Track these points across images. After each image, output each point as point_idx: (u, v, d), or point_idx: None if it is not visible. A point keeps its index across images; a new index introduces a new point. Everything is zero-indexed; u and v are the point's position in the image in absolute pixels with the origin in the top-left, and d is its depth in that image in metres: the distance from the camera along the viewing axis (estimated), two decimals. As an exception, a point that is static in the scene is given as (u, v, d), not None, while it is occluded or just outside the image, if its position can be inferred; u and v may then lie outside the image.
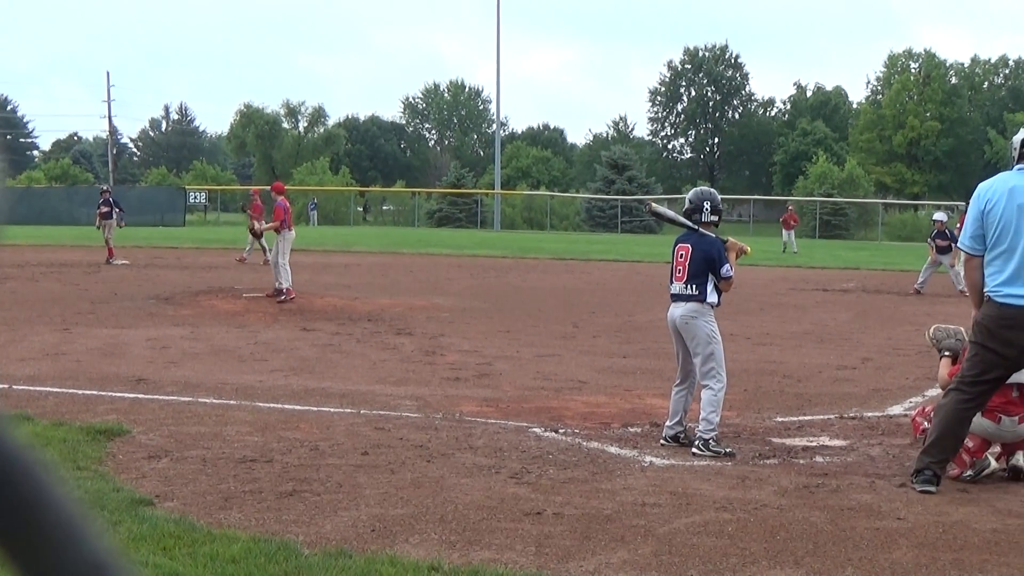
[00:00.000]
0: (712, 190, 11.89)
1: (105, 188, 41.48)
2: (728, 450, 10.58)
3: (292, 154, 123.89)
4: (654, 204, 12.35)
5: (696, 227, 11.24)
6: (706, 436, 10.60)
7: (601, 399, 13.49)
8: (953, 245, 30.82)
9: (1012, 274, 9.05)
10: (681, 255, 11.15)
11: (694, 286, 11.00)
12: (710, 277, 11.01)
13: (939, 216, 32.98)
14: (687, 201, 11.57)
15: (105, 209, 38.93)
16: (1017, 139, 9.41)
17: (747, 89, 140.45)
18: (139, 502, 8.17)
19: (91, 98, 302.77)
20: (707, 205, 11.34)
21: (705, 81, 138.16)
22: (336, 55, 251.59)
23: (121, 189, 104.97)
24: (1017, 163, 9.32)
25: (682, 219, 11.39)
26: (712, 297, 11.03)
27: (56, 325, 19.86)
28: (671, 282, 11.23)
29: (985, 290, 9.25)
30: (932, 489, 9.15)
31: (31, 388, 13.27)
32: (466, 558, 7.19)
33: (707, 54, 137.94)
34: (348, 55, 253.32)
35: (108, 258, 37.86)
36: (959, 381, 9.44)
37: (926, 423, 10.20)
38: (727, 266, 11.02)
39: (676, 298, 11.13)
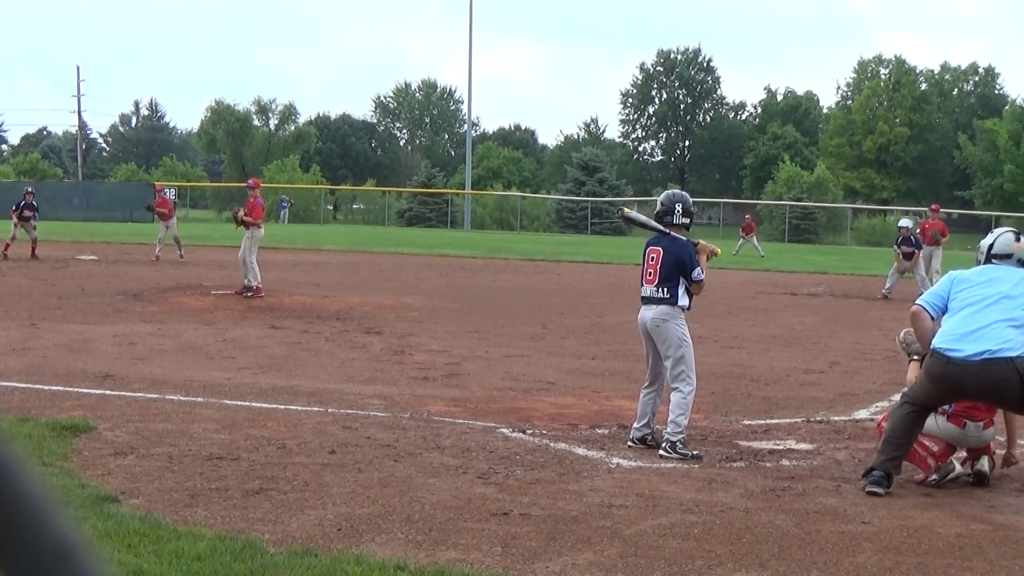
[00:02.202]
0: (683, 193, 11.88)
1: (30, 190, 40.84)
2: (695, 453, 10.61)
3: (263, 151, 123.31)
4: (627, 209, 12.36)
5: (668, 231, 11.27)
6: (673, 439, 10.62)
7: (569, 400, 13.50)
8: (917, 252, 31.11)
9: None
10: (652, 258, 11.17)
11: (665, 289, 11.01)
12: (681, 280, 11.03)
13: (905, 223, 33.18)
14: (658, 203, 11.58)
15: (28, 214, 38.25)
16: (984, 243, 9.86)
17: (718, 92, 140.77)
18: (104, 499, 8.14)
19: (60, 93, 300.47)
20: (679, 207, 11.36)
21: (677, 84, 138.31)
22: (305, 53, 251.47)
23: (90, 184, 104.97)
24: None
25: (654, 223, 11.42)
26: (683, 300, 11.05)
27: (23, 320, 19.77)
28: (641, 284, 11.25)
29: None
30: (879, 491, 9.23)
31: (-3, 383, 13.21)
32: (432, 558, 7.19)
33: (679, 57, 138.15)
34: (317, 54, 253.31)
35: (33, 253, 37.31)
36: (908, 394, 9.68)
37: None
38: (698, 269, 11.04)
39: (647, 301, 11.14)
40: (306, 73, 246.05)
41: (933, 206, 35.98)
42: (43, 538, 0.85)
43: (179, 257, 38.21)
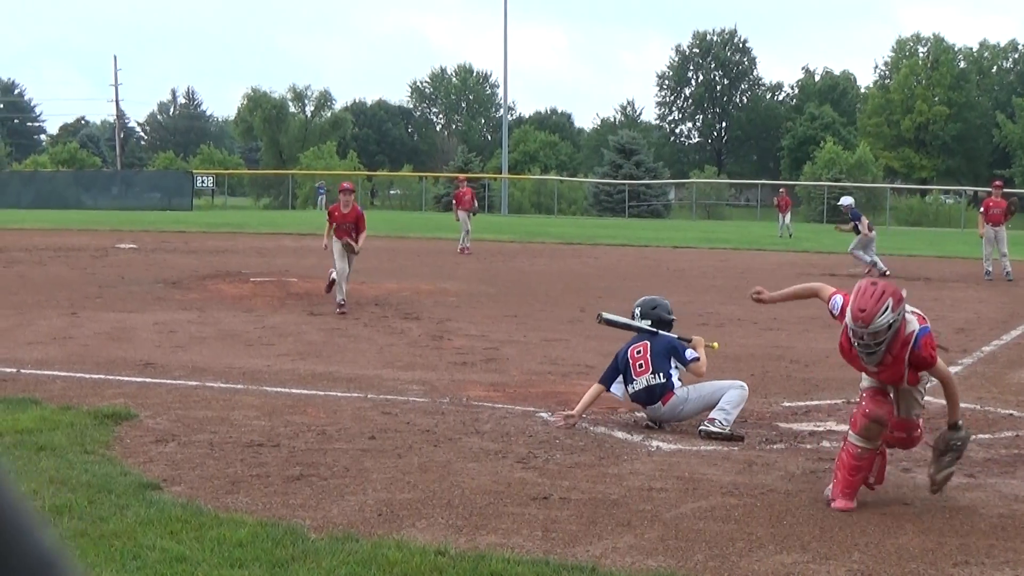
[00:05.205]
0: (649, 298, 12.02)
1: None
2: (737, 432, 10.57)
3: (299, 138, 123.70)
4: (605, 313, 12.27)
5: (654, 330, 11.36)
6: (716, 416, 10.59)
7: (608, 384, 13.47)
8: (857, 228, 32.16)
9: None
10: (639, 351, 11.26)
11: (660, 374, 11.05)
12: (672, 363, 11.12)
13: (845, 200, 34.69)
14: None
15: None
16: None
17: (755, 73, 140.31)
18: (147, 486, 8.19)
19: (97, 83, 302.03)
20: (636, 311, 11.70)
21: (713, 65, 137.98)
22: (330, 40, 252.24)
23: (128, 173, 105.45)
24: None
25: (636, 323, 11.50)
26: (677, 381, 11.08)
27: (64, 309, 19.89)
28: (632, 381, 11.21)
29: None
30: None
31: (39, 372, 13.30)
32: (473, 543, 7.20)
33: (715, 38, 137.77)
34: (341, 40, 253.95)
35: None
36: None
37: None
38: (690, 351, 11.21)
39: (648, 396, 11.14)
40: (334, 59, 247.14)
41: (996, 183, 34.28)
42: (25, 552, 0.84)
43: (460, 251, 38.46)
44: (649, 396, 11.08)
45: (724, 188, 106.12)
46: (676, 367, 11.08)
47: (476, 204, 41.72)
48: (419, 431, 10.51)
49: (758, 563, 6.96)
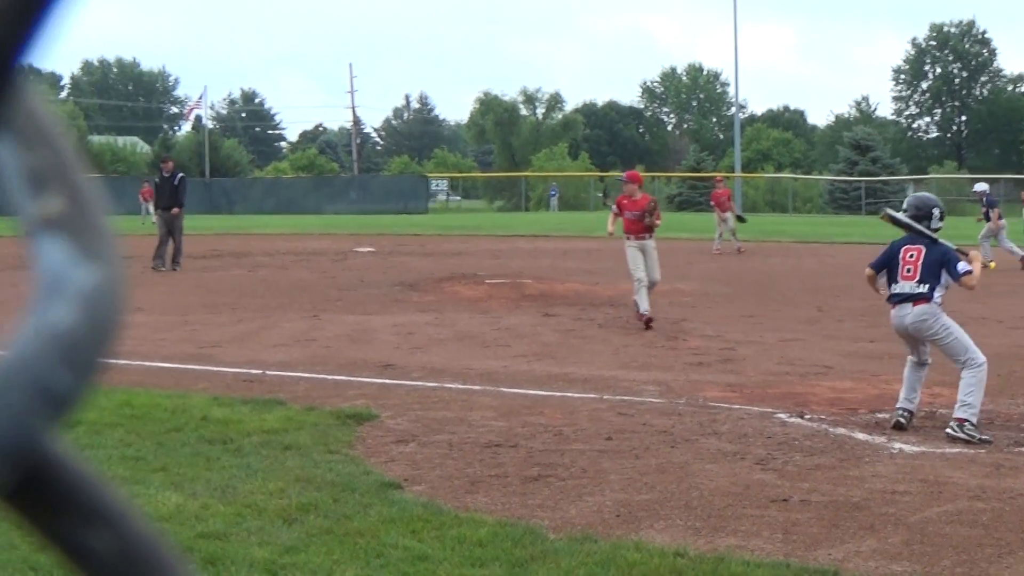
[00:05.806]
0: (926, 198, 11.74)
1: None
2: (984, 437, 10.26)
3: (531, 140, 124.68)
4: (890, 210, 12.03)
5: (933, 236, 11.03)
6: (964, 416, 10.30)
7: (847, 384, 13.25)
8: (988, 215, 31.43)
9: None
10: (912, 255, 10.94)
11: (926, 286, 10.76)
12: (941, 278, 10.76)
13: (979, 187, 34.02)
14: (912, 207, 11.38)
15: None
16: None
17: (995, 65, 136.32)
18: (388, 485, 8.34)
19: (335, 90, 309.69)
20: (936, 212, 11.27)
21: (951, 58, 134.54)
22: (568, 42, 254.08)
23: (365, 178, 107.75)
24: None
25: (919, 227, 11.18)
26: (939, 297, 10.78)
27: (306, 312, 20.38)
28: (895, 282, 10.99)
29: None
30: None
31: (283, 373, 13.66)
32: (712, 544, 7.15)
33: (953, 30, 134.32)
34: (567, 41, 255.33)
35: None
36: None
37: None
38: (963, 263, 10.79)
39: (903, 299, 10.88)
40: (563, 61, 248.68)
41: None
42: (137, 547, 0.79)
43: (737, 251, 38.70)
44: (905, 299, 10.91)
45: (965, 183, 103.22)
46: (944, 284, 10.81)
47: (730, 204, 41.18)
48: (656, 432, 10.48)
49: (1008, 570, 6.76)
